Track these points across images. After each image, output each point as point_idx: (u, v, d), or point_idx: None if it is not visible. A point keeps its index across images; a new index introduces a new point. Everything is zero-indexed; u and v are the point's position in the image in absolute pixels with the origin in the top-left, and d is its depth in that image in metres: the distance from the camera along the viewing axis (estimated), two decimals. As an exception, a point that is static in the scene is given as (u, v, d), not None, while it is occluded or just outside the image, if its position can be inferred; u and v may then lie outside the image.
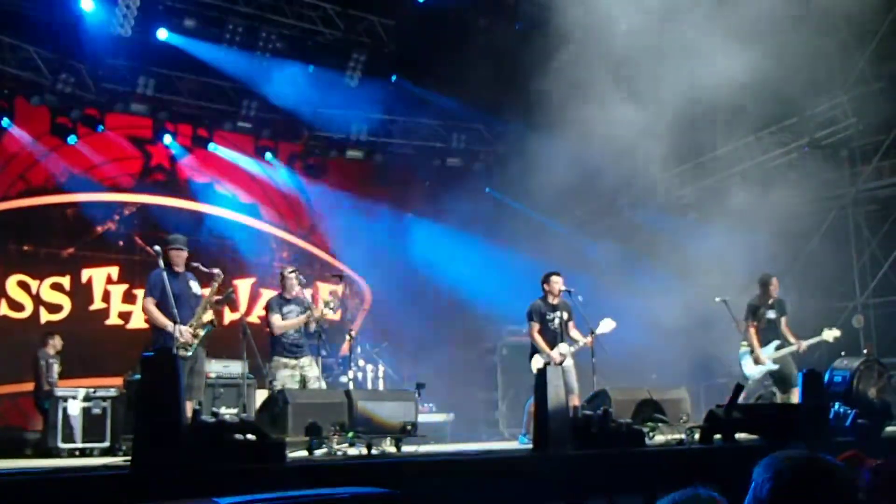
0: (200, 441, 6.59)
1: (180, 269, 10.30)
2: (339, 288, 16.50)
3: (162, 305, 9.99)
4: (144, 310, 10.29)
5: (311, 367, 11.19)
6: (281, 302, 11.31)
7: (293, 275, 11.49)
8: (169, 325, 9.86)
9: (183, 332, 9.86)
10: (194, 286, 10.40)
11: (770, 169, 16.77)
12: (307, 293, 11.82)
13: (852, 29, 14.79)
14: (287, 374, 10.92)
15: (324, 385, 11.53)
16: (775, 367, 12.36)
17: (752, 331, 12.58)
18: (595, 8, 14.37)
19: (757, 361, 12.41)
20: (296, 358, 11.08)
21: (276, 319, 11.12)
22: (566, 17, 14.64)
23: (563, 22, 14.76)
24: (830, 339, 12.50)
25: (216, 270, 10.39)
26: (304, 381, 10.98)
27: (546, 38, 15.43)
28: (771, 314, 12.66)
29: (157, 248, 10.23)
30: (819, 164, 16.52)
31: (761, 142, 16.82)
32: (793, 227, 15.73)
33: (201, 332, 10.10)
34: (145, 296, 10.16)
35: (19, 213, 15.44)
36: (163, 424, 6.29)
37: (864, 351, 14.06)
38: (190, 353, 9.87)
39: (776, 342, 12.46)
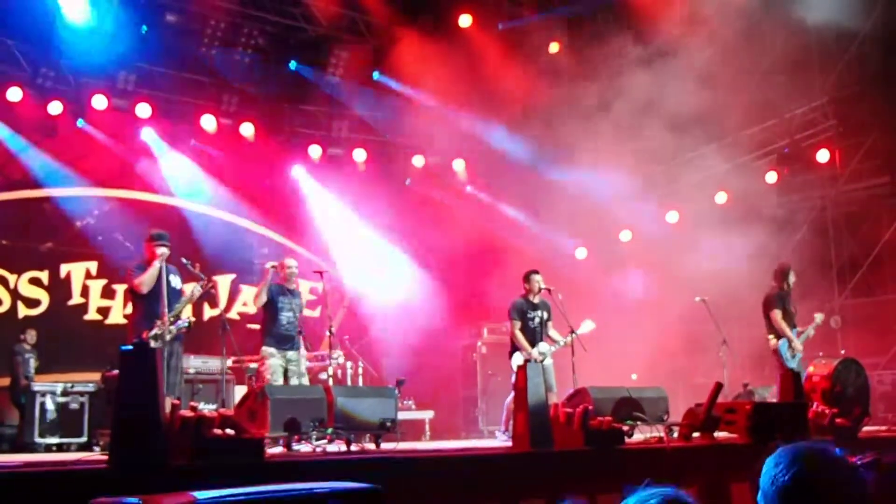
0: (179, 435, 6.56)
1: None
2: (320, 284, 16.47)
3: (150, 298, 10.02)
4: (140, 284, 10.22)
5: (298, 363, 11.19)
6: (279, 290, 11.34)
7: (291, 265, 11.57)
8: None
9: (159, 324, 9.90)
10: (174, 280, 10.34)
11: (751, 170, 16.83)
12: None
13: (833, 31, 14.86)
14: (276, 363, 10.96)
15: (307, 382, 11.51)
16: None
17: (782, 319, 12.33)
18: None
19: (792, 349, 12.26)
20: (285, 350, 11.09)
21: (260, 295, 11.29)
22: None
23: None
24: (820, 322, 12.62)
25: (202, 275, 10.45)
26: (286, 375, 10.99)
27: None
28: (792, 305, 12.55)
29: (164, 250, 10.19)
30: (798, 166, 16.60)
31: (742, 143, 16.88)
32: (772, 227, 15.80)
33: (173, 329, 10.04)
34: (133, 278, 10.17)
35: (-2, 207, 15.36)
36: (141, 418, 6.25)
37: (842, 351, 14.15)
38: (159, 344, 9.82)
39: (796, 329, 12.41)
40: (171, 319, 9.98)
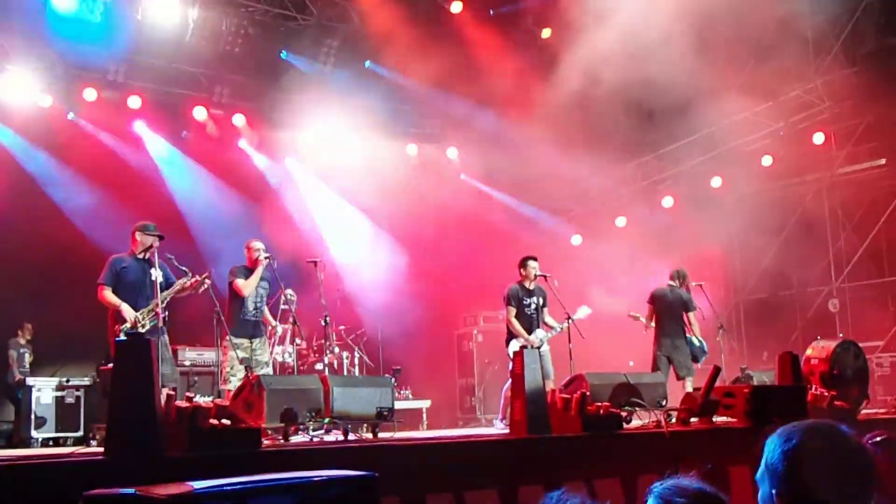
0: (175, 426, 6.51)
1: (143, 255, 10.13)
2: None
3: (126, 291, 9.98)
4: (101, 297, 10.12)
5: (262, 352, 11.07)
6: (246, 272, 11.21)
7: (257, 246, 11.41)
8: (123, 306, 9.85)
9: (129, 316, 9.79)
10: (154, 272, 10.11)
11: (745, 153, 16.79)
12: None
13: (826, 12, 14.80)
14: (235, 356, 10.73)
15: (270, 372, 11.35)
16: None
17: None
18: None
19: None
20: (249, 339, 10.97)
21: (240, 282, 11.11)
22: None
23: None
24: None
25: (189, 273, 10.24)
26: (249, 366, 10.71)
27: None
28: None
29: (154, 241, 10.10)
30: (794, 149, 16.56)
31: (736, 126, 16.83)
32: (768, 211, 15.77)
33: (147, 323, 9.90)
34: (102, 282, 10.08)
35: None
36: (136, 409, 6.19)
37: (840, 334, 14.14)
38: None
39: None
40: (147, 313, 9.84)
